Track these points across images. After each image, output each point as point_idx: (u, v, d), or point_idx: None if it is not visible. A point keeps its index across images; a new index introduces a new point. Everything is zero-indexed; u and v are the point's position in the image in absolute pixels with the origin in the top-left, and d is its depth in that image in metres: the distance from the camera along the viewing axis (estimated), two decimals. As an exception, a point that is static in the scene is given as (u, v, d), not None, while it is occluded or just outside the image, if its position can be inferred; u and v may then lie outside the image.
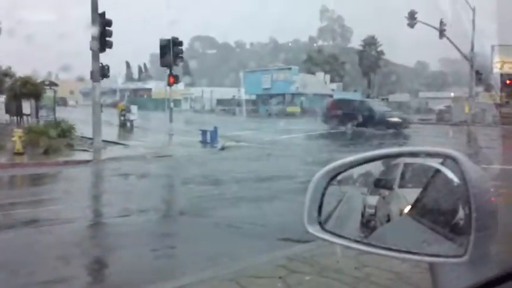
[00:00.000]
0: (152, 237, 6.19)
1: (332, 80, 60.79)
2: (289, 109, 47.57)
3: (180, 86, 42.50)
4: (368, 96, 60.30)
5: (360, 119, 24.92)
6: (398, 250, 1.07)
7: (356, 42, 71.42)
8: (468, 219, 0.96)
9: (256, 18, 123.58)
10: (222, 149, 16.54)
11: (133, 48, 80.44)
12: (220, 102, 57.70)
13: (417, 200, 1.18)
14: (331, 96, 55.90)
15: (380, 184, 1.29)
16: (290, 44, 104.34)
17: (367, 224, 1.26)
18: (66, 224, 6.71)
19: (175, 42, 18.77)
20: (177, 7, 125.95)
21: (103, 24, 14.22)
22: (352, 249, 1.15)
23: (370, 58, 63.16)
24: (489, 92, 34.92)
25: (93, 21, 14.12)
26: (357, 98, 56.79)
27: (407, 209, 1.19)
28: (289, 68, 55.32)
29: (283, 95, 50.99)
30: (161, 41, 18.97)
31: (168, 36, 18.99)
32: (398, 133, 23.43)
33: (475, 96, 31.25)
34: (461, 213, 1.00)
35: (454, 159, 1.04)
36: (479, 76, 30.68)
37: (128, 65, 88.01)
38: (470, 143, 16.79)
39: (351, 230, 1.22)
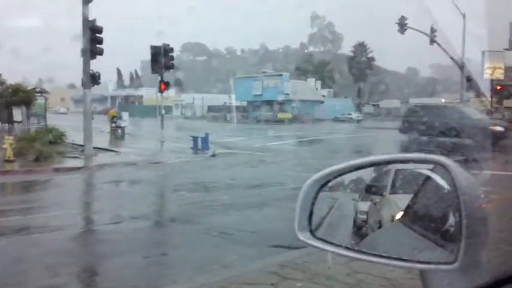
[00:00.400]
0: (143, 244, 6.14)
1: (323, 86, 61.14)
2: (280, 115, 47.71)
3: (171, 93, 42.52)
4: (359, 103, 60.72)
5: (449, 127, 18.93)
6: (389, 257, 1.06)
7: (347, 49, 72.06)
8: (459, 226, 0.95)
9: (247, 25, 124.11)
10: (213, 155, 16.52)
11: (125, 55, 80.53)
12: (211, 108, 57.72)
13: (408, 207, 1.17)
14: (321, 102, 56.43)
15: (371, 190, 1.29)
16: (281, 51, 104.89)
17: (358, 231, 1.26)
18: (56, 231, 6.65)
19: (166, 49, 18.78)
20: (168, 14, 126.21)
21: (94, 31, 14.19)
22: (342, 256, 1.14)
23: (360, 64, 63.66)
24: (480, 98, 35.29)
25: (84, 28, 14.09)
26: (347, 104, 57.33)
27: (398, 215, 1.19)
28: (280, 75, 55.57)
29: (274, 101, 51.14)
30: (152, 47, 18.96)
31: (159, 43, 19.03)
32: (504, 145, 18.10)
33: (466, 103, 31.53)
34: (451, 220, 1.00)
35: (444, 166, 1.03)
36: (470, 82, 30.98)
37: (119, 72, 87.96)
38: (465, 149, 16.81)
39: (341, 237, 1.22)
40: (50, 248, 5.80)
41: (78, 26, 14.31)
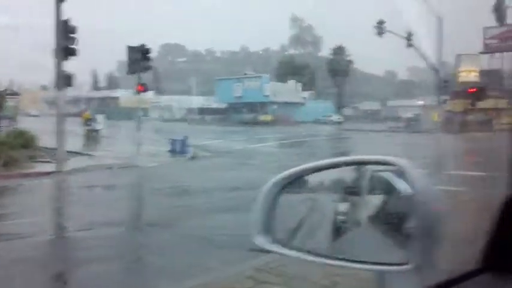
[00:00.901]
0: (117, 250, 5.98)
1: (304, 89, 61.41)
2: (261, 118, 47.78)
3: (149, 95, 41.89)
4: (339, 105, 61.29)
5: None
6: (346, 259, 1.08)
7: (327, 51, 72.60)
8: (414, 227, 0.98)
9: (227, 26, 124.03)
10: (192, 158, 16.31)
11: (100, 55, 79.21)
12: (191, 110, 57.38)
13: (369, 209, 1.18)
14: (302, 104, 56.71)
15: (350, 191, 1.28)
16: (261, 52, 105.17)
17: (337, 232, 1.24)
18: (25, 238, 6.41)
19: (143, 50, 18.45)
20: (145, 14, 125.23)
21: (67, 31, 13.79)
22: (301, 260, 1.13)
23: (340, 67, 64.21)
24: (455, 100, 35.98)
25: (57, 29, 13.68)
26: (328, 107, 57.88)
27: (364, 216, 1.19)
28: (260, 77, 55.61)
29: (255, 103, 51.13)
30: (129, 48, 18.60)
31: (136, 44, 18.70)
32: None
33: (442, 104, 32.09)
34: (408, 221, 1.01)
35: (400, 167, 1.06)
36: (446, 84, 31.57)
37: (94, 73, 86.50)
38: (440, 150, 17.14)
39: (301, 241, 1.19)
40: (17, 255, 5.58)
41: (51, 26, 13.89)
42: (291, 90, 57.85)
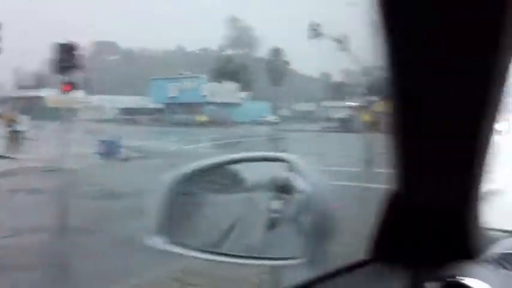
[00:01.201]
0: (40, 258, 5.74)
1: (241, 89, 61.79)
2: (197, 118, 47.41)
3: (79, 94, 40.01)
4: (276, 106, 62.39)
5: None
6: (241, 256, 1.09)
7: (264, 52, 73.59)
8: (307, 222, 1.00)
9: (163, 24, 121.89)
10: (124, 160, 15.86)
11: (26, 53, 74.67)
12: (124, 111, 55.71)
13: (263, 205, 1.19)
14: (239, 105, 57.01)
15: (280, 189, 1.26)
16: (198, 52, 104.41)
17: (271, 229, 1.23)
18: None
19: (72, 47, 17.64)
20: (74, 10, 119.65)
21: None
22: (198, 259, 1.13)
23: (276, 68, 65.39)
24: (384, 101, 37.86)
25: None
26: (264, 108, 58.71)
27: (255, 214, 1.21)
28: (197, 77, 55.23)
29: (191, 103, 50.70)
30: (55, 45, 17.70)
31: (64, 41, 17.84)
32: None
33: (372, 105, 33.67)
34: (301, 217, 1.03)
35: (292, 164, 1.08)
36: (376, 87, 33.10)
37: (18, 71, 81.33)
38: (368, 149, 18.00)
39: (200, 240, 1.19)
40: None
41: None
42: (228, 90, 58.00)
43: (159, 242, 1.13)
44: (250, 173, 1.30)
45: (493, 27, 0.67)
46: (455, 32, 0.69)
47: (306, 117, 65.32)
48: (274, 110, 60.84)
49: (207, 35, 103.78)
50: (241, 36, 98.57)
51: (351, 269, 1.10)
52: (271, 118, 54.55)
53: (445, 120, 0.81)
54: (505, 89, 0.78)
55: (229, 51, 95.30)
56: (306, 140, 27.63)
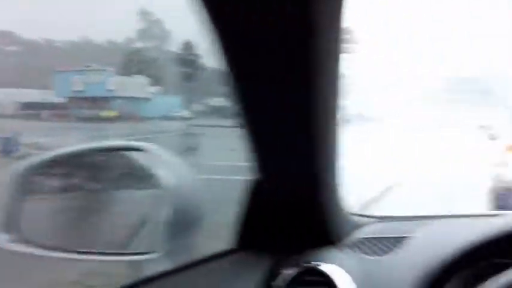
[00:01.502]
0: None
1: (152, 84, 60.12)
2: (104, 113, 45.37)
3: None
4: (189, 101, 61.42)
5: None
6: (98, 252, 1.07)
7: (176, 46, 72.08)
8: (166, 215, 0.97)
9: (66, 14, 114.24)
10: (20, 158, 14.94)
11: None
12: (25, 105, 51.57)
13: (123, 198, 1.17)
14: (149, 99, 55.31)
15: (101, 181, 1.25)
16: (105, 45, 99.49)
17: (69, 230, 1.21)
18: None
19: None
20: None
21: None
22: (50, 257, 1.08)
23: (188, 62, 64.50)
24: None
25: None
26: (176, 102, 57.71)
27: (111, 207, 1.19)
28: (104, 70, 52.78)
29: (98, 98, 48.40)
30: None
31: None
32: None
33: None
34: (160, 209, 1.00)
35: (153, 154, 1.04)
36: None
37: None
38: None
39: (48, 237, 1.13)
40: None
41: None
42: (137, 84, 56.17)
43: (2, 240, 1.06)
44: (110, 163, 1.23)
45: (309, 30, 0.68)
46: (275, 35, 0.71)
47: (219, 112, 65.21)
48: (187, 105, 59.97)
49: (116, 27, 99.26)
50: (152, 29, 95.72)
51: (215, 258, 1.09)
52: (183, 113, 53.76)
53: (289, 111, 0.80)
54: (339, 80, 0.81)
55: (140, 44, 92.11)
56: (217, 135, 27.67)
